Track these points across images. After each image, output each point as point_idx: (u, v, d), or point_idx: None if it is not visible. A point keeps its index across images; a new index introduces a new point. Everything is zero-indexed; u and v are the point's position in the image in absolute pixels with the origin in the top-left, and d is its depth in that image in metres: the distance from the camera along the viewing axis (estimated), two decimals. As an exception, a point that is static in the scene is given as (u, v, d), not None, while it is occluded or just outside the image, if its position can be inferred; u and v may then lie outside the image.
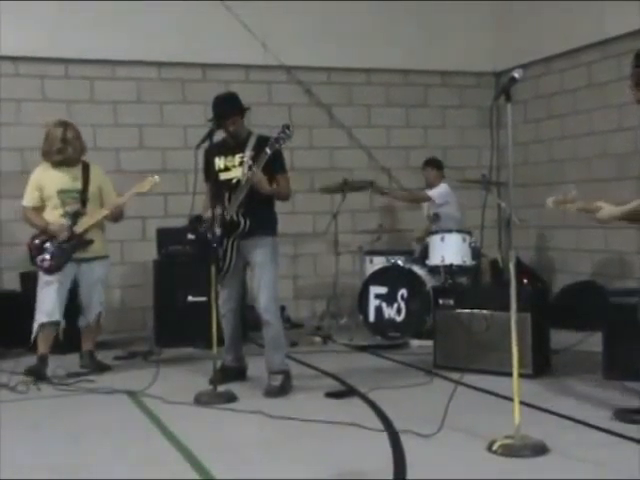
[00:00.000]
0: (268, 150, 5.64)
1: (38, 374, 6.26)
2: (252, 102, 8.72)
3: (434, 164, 8.59)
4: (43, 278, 6.42)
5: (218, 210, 5.73)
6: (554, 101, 9.17)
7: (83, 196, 6.49)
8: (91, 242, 6.47)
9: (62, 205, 6.45)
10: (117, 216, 6.65)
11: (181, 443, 4.55)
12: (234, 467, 4.15)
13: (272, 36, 8.77)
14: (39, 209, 6.51)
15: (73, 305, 6.64)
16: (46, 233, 6.40)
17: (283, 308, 8.27)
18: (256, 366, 6.15)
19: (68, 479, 4.04)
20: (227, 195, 5.77)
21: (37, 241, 6.42)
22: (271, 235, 5.93)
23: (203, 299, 7.08)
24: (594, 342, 6.48)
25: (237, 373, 6.15)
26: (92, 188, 6.53)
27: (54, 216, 6.45)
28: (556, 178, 8.98)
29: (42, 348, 6.44)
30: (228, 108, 5.86)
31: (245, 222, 5.73)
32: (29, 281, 7.59)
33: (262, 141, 5.84)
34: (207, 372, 5.88)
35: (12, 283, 7.92)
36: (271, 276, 5.82)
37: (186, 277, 7.50)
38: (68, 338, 6.79)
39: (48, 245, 6.38)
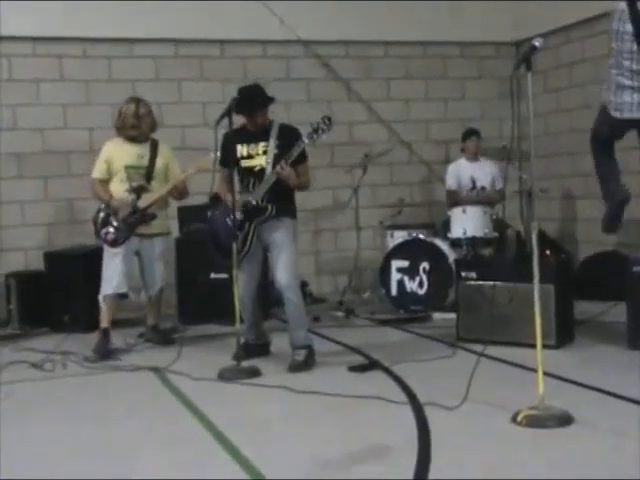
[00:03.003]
0: (306, 140, 5.68)
1: (102, 352, 6.31)
2: (270, 77, 8.75)
3: (478, 133, 8.50)
4: (110, 251, 6.55)
5: (242, 195, 5.77)
6: (574, 70, 9.08)
7: (149, 172, 6.64)
8: (154, 217, 6.61)
9: (128, 180, 6.61)
10: (181, 192, 6.83)
11: (207, 419, 4.58)
12: (260, 442, 4.17)
13: (289, 11, 8.70)
14: (106, 182, 6.67)
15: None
16: (109, 207, 6.56)
17: (306, 284, 8.29)
18: (279, 341, 6.18)
19: (96, 457, 4.09)
20: (252, 181, 5.81)
21: (102, 214, 6.59)
22: (291, 218, 5.96)
23: (225, 276, 7.10)
24: (618, 312, 6.46)
25: (260, 349, 6.19)
26: (158, 165, 6.68)
27: (120, 190, 6.60)
28: (577, 148, 8.89)
29: (104, 322, 6.54)
30: (258, 102, 5.87)
31: (272, 208, 5.78)
32: (53, 261, 7.67)
33: (285, 130, 5.91)
34: (230, 348, 5.90)
35: (37, 263, 7.97)
36: (291, 254, 5.84)
37: (208, 254, 7.49)
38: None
39: (112, 219, 6.53)
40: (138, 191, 6.59)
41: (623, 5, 5.26)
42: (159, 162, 6.70)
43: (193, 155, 8.45)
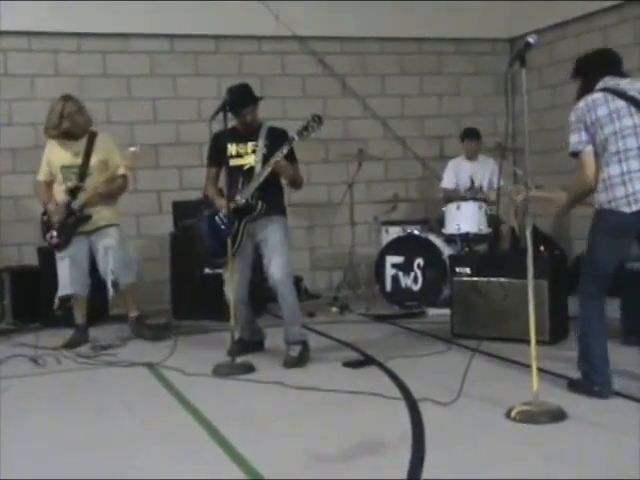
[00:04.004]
0: (296, 137, 5.73)
1: (68, 345, 6.48)
2: (265, 73, 8.77)
3: (476, 135, 8.48)
4: (57, 254, 6.61)
5: (232, 193, 5.78)
6: (569, 66, 9.00)
7: (82, 171, 6.50)
8: (89, 217, 6.51)
9: (64, 181, 6.53)
10: (109, 192, 6.58)
11: (201, 415, 4.58)
12: (255, 438, 4.17)
13: (284, 6, 8.70)
14: (50, 183, 6.63)
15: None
16: (47, 211, 6.56)
17: (300, 279, 8.30)
18: (274, 337, 6.18)
19: (91, 453, 4.09)
20: (241, 180, 5.83)
21: (45, 218, 6.58)
22: (281, 215, 6.00)
23: (219, 272, 7.09)
24: (612, 308, 6.42)
25: (255, 345, 6.19)
26: (94, 161, 6.52)
27: (59, 191, 6.55)
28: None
29: (77, 318, 6.72)
30: (246, 98, 5.90)
31: (262, 205, 5.81)
32: (47, 256, 7.65)
33: (274, 132, 5.96)
34: (225, 344, 5.90)
35: (30, 258, 7.96)
36: (284, 251, 5.87)
37: (200, 253, 7.49)
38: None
39: (53, 222, 6.50)
40: (73, 192, 6.48)
41: (595, 96, 4.60)
42: (94, 159, 6.53)
43: (188, 151, 8.53)
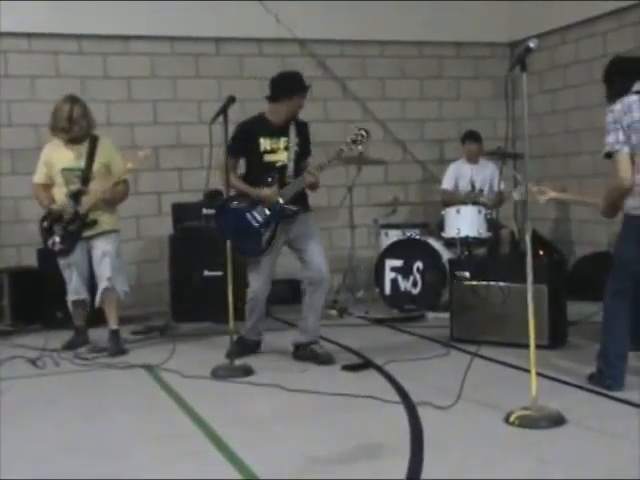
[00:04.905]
0: (345, 149, 5.83)
1: (67, 347, 6.47)
2: (266, 76, 8.71)
3: (477, 138, 8.50)
4: (60, 260, 6.49)
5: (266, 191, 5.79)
6: (570, 71, 9.09)
7: (85, 174, 6.35)
8: (95, 222, 6.37)
9: (66, 184, 6.37)
10: (112, 199, 6.45)
11: (200, 417, 4.58)
12: (253, 441, 4.17)
13: (285, 9, 8.71)
14: (48, 186, 6.48)
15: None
16: (51, 214, 6.41)
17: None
18: (272, 340, 6.18)
19: (90, 454, 4.08)
20: (275, 176, 5.81)
21: (45, 224, 6.44)
22: (311, 211, 6.06)
23: (219, 274, 7.09)
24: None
25: (253, 345, 6.18)
26: (97, 165, 6.38)
27: (60, 195, 6.40)
28: (572, 149, 8.92)
29: (76, 321, 6.66)
30: (303, 84, 5.88)
31: (299, 207, 5.86)
32: (46, 257, 7.65)
33: (300, 126, 5.95)
34: (223, 346, 5.90)
35: (30, 259, 7.95)
36: (322, 245, 5.95)
37: (202, 252, 7.50)
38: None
39: (56, 228, 6.38)
40: (76, 195, 6.33)
41: (632, 98, 4.59)
42: (97, 162, 6.37)
43: (188, 153, 8.53)
